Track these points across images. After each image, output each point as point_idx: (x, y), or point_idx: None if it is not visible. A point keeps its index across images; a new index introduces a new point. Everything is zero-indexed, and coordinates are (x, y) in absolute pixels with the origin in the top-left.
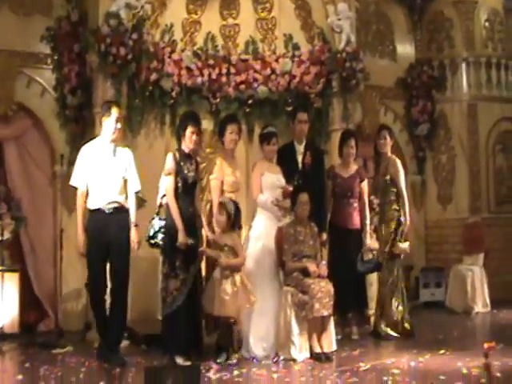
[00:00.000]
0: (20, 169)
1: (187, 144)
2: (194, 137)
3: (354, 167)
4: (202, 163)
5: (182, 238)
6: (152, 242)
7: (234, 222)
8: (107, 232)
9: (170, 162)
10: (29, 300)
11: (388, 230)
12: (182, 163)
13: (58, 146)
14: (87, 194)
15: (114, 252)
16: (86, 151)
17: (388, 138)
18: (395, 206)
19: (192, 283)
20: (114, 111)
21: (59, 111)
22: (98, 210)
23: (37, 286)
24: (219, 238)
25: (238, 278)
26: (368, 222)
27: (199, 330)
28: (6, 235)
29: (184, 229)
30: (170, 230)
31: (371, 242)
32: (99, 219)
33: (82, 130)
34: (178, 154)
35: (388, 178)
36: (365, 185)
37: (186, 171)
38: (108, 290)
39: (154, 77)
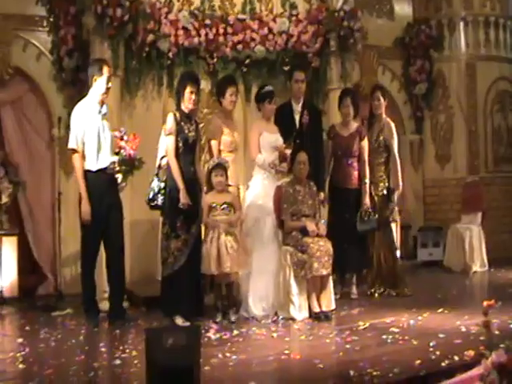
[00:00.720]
0: (17, 133)
1: (186, 104)
2: (194, 97)
3: (353, 126)
4: (200, 123)
5: (183, 198)
6: (152, 204)
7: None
8: (108, 194)
9: (170, 122)
10: (28, 264)
11: (376, 192)
12: (182, 123)
13: (56, 110)
14: (83, 156)
15: (113, 216)
16: (78, 112)
17: (382, 99)
18: (383, 169)
19: (193, 244)
20: (106, 70)
21: (56, 74)
22: (99, 171)
23: (36, 249)
24: (218, 197)
25: (237, 233)
26: (367, 181)
27: (200, 290)
28: (4, 199)
29: (185, 189)
30: (170, 191)
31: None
32: (100, 181)
33: (79, 92)
34: (178, 114)
35: (381, 139)
36: (365, 143)
37: (186, 131)
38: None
39: (150, 38)
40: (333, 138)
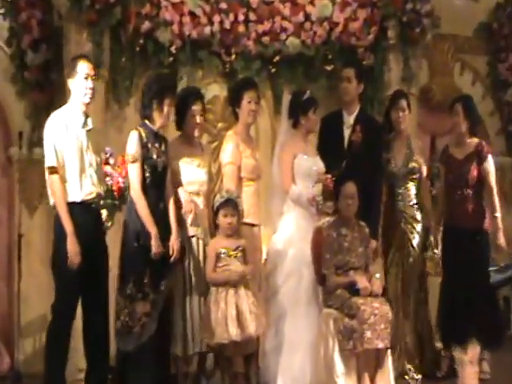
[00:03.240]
0: None
1: (157, 118)
2: (166, 109)
3: (471, 144)
4: (213, 142)
5: (156, 246)
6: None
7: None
8: (93, 236)
9: (134, 145)
10: None
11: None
12: (149, 145)
13: (15, 121)
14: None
15: (97, 265)
16: (56, 123)
17: (407, 110)
18: (416, 206)
19: (161, 306)
20: (82, 66)
21: (15, 73)
22: (83, 203)
23: None
24: (229, 242)
25: (249, 293)
26: (498, 214)
27: (169, 368)
28: None
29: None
30: (135, 235)
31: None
32: (84, 217)
33: (48, 99)
34: (144, 133)
35: (414, 165)
36: (489, 166)
37: (154, 156)
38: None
39: (146, 26)
40: (445, 162)
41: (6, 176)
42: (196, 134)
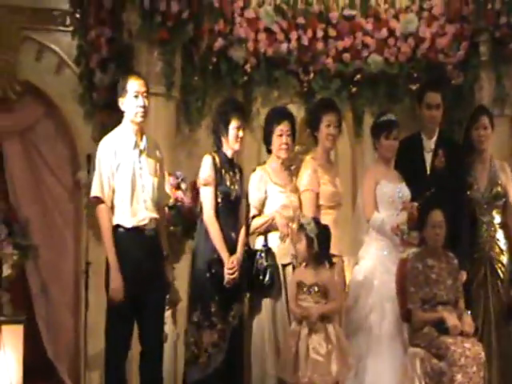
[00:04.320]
0: (27, 176)
1: (231, 144)
2: (241, 133)
3: None
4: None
5: (230, 273)
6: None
7: (319, 251)
8: (147, 264)
9: (207, 169)
10: (38, 363)
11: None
12: (223, 171)
13: (83, 144)
14: (113, 208)
15: (152, 296)
16: (106, 148)
17: (489, 128)
18: (504, 235)
19: (230, 337)
20: (132, 84)
21: (84, 94)
22: (135, 229)
23: (50, 343)
24: (302, 276)
25: (331, 330)
26: None
27: None
28: (7, 271)
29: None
30: (206, 262)
31: None
32: (136, 244)
33: (116, 120)
34: (217, 159)
35: (499, 189)
36: None
37: (228, 182)
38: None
39: (219, 44)
40: None
41: (73, 201)
42: (284, 155)
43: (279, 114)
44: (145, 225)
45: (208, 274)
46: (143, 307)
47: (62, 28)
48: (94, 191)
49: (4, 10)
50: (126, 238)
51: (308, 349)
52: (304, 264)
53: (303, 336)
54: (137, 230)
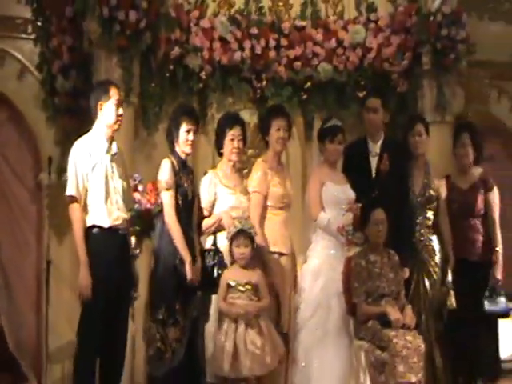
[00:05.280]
0: None
1: (182, 147)
2: (191, 136)
3: (475, 173)
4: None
5: (191, 273)
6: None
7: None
8: (121, 264)
9: (167, 172)
10: (0, 359)
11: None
12: (180, 173)
13: (45, 147)
14: (85, 208)
15: (124, 295)
16: (79, 150)
17: (424, 135)
18: (432, 235)
19: (190, 331)
20: (115, 92)
21: (46, 99)
22: (110, 229)
23: (12, 339)
24: (235, 275)
25: (263, 325)
26: (499, 248)
27: None
28: None
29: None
30: (166, 262)
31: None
32: (111, 244)
33: (77, 124)
34: (175, 162)
35: (431, 192)
36: (494, 196)
37: (185, 184)
38: None
39: (176, 52)
40: (448, 191)
41: (35, 202)
42: (235, 159)
43: (231, 120)
44: (118, 225)
45: (173, 275)
46: (116, 303)
47: (24, 35)
48: (70, 190)
49: None
50: (101, 237)
51: (246, 343)
52: (237, 265)
53: (240, 331)
54: (111, 230)
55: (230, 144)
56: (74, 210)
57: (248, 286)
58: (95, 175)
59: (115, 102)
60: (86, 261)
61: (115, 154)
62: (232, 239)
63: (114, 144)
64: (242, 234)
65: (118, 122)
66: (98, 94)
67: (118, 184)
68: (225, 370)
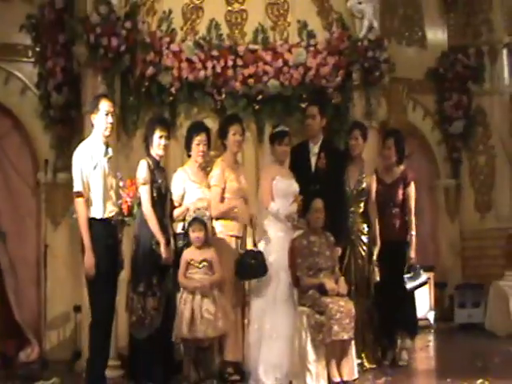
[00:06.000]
0: None
1: (156, 151)
2: (163, 142)
3: (397, 171)
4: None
5: (166, 252)
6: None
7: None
8: (115, 249)
9: (144, 170)
10: (8, 326)
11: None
12: (155, 171)
13: (42, 151)
14: (89, 202)
15: (116, 271)
16: (82, 153)
17: (360, 138)
18: (362, 221)
19: (165, 302)
20: (104, 104)
21: (43, 111)
22: (105, 220)
23: (17, 310)
24: (193, 255)
25: (216, 295)
26: (414, 232)
27: (173, 355)
28: None
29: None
30: (145, 244)
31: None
32: (107, 232)
33: (69, 132)
34: (150, 162)
35: (364, 187)
36: (411, 190)
37: (159, 180)
38: None
39: (150, 71)
40: (376, 185)
41: (34, 196)
42: (200, 160)
43: (197, 127)
44: (112, 216)
45: (151, 255)
46: (113, 278)
47: (25, 59)
48: (77, 187)
49: None
50: (100, 227)
51: (201, 310)
52: (193, 246)
53: (197, 301)
54: (107, 221)
55: (196, 148)
56: (79, 204)
57: (204, 263)
58: (95, 175)
59: (104, 113)
60: (90, 245)
61: (110, 157)
62: (189, 225)
63: (110, 149)
64: (197, 221)
65: (108, 129)
66: (90, 107)
67: (113, 182)
68: (184, 333)
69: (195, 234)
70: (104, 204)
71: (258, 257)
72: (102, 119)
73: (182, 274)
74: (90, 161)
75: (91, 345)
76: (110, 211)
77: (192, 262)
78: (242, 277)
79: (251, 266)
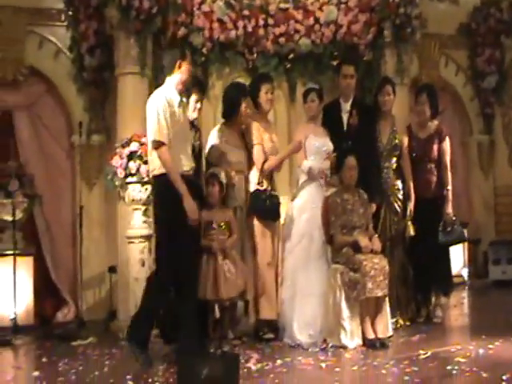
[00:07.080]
0: (33, 140)
1: (190, 113)
2: (199, 105)
3: (432, 126)
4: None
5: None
6: None
7: (225, 196)
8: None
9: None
10: (45, 287)
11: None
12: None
13: (76, 114)
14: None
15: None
16: (160, 101)
17: (392, 94)
18: (396, 177)
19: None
20: (188, 54)
21: (76, 74)
22: (182, 176)
23: (54, 271)
24: (212, 216)
25: (235, 256)
26: (450, 187)
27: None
28: (19, 215)
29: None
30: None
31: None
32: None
33: (102, 94)
34: None
35: (397, 142)
36: (446, 145)
37: (192, 140)
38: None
39: (182, 32)
40: (408, 140)
41: (69, 158)
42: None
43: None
44: (188, 171)
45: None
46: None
47: (58, 23)
48: (157, 136)
49: (11, 9)
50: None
51: (223, 271)
52: (212, 208)
53: (220, 261)
54: (185, 177)
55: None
56: (163, 152)
57: (223, 224)
58: (172, 123)
59: (190, 62)
60: (187, 191)
61: (184, 108)
62: (206, 182)
63: (183, 98)
64: (213, 177)
65: (190, 78)
66: (173, 55)
67: (188, 134)
68: (207, 295)
69: (209, 189)
70: (181, 158)
71: (274, 200)
72: (187, 68)
73: (203, 235)
74: (167, 108)
75: (150, 304)
76: (188, 165)
77: (212, 224)
78: (253, 211)
79: (265, 204)
